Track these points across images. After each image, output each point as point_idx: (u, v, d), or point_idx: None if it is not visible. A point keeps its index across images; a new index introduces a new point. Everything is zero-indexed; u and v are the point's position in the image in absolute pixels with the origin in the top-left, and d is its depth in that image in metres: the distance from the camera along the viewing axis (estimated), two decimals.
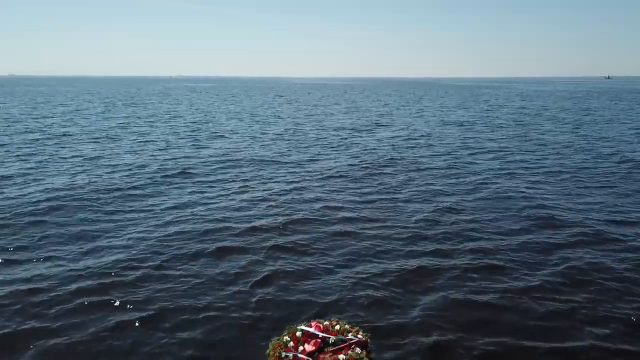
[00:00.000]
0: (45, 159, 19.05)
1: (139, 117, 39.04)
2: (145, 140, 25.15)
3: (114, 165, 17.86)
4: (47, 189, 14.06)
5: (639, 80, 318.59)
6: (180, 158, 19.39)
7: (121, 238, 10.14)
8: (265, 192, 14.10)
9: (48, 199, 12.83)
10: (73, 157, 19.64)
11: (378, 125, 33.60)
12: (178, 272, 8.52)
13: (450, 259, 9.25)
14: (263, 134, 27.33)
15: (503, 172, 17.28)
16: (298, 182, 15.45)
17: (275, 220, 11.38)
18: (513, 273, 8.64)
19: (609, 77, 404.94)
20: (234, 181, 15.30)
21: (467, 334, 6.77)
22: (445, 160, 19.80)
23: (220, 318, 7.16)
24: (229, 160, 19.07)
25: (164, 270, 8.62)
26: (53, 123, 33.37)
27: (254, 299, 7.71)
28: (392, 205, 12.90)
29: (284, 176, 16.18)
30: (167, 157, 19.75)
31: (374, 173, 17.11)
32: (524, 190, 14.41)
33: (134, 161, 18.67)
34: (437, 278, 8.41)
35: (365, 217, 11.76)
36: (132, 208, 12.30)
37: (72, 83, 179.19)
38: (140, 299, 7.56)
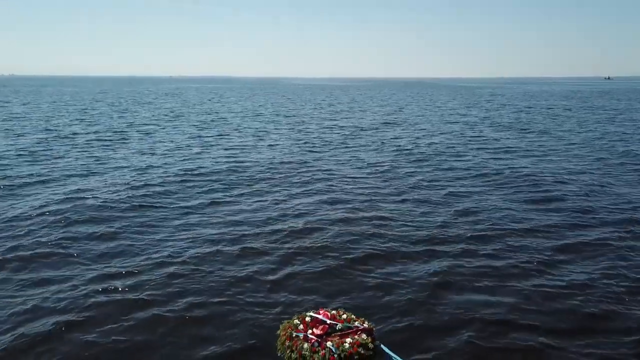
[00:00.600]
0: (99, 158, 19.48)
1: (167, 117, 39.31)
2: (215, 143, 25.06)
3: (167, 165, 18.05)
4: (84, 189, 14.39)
5: (638, 81, 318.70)
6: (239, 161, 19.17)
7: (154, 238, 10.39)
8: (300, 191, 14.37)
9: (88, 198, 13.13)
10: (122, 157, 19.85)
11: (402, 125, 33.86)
12: (203, 270, 8.76)
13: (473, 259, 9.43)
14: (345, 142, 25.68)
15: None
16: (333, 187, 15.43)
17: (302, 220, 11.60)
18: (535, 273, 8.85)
19: (608, 78, 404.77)
20: (279, 185, 15.24)
21: (483, 332, 6.96)
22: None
23: (239, 306, 7.49)
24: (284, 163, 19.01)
25: (191, 267, 8.86)
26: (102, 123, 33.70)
27: (268, 289, 8.04)
28: (420, 203, 13.04)
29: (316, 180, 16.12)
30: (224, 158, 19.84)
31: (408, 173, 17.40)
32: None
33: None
34: (454, 279, 8.58)
35: (389, 217, 11.86)
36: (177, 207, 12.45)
37: (73, 83, 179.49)
38: (167, 294, 7.80)
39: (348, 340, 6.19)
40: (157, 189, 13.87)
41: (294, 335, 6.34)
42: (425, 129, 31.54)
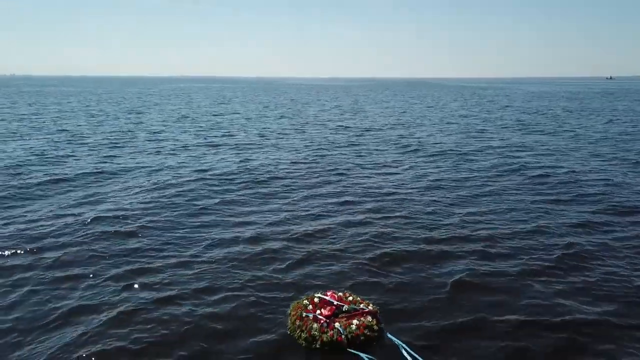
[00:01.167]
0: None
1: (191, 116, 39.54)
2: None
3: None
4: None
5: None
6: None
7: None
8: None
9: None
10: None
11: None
12: (219, 260, 9.04)
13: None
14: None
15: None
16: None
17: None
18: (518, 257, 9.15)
19: (610, 78, 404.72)
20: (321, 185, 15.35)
21: (480, 314, 7.14)
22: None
23: (253, 290, 7.81)
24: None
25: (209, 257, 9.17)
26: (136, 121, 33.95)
27: (279, 276, 8.31)
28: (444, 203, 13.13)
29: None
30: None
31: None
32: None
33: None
34: (453, 263, 8.88)
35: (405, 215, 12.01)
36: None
37: (75, 83, 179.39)
38: (191, 289, 7.94)
39: (355, 322, 6.51)
40: (175, 190, 14.00)
41: (303, 315, 6.65)
42: (437, 129, 31.68)
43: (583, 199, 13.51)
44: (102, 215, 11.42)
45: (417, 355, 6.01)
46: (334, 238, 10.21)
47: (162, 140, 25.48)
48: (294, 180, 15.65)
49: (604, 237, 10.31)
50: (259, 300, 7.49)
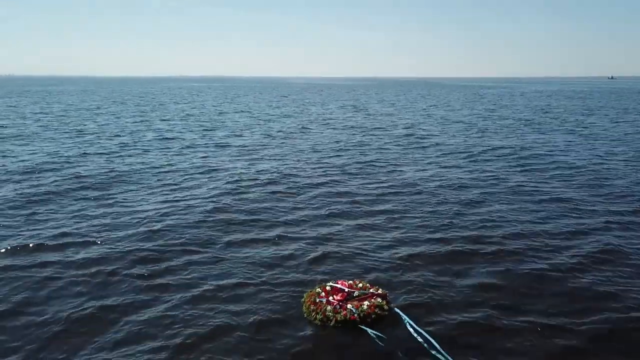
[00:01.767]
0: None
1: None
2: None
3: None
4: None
5: None
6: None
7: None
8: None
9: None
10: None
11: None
12: (234, 255, 9.57)
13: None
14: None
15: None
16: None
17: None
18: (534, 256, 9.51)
19: (612, 78, 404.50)
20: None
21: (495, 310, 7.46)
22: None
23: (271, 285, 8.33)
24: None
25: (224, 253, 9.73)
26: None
27: (294, 272, 8.83)
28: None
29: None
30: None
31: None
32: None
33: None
34: (467, 262, 9.26)
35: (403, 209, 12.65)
36: None
37: (75, 83, 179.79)
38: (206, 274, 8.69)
39: (366, 303, 7.11)
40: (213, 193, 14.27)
41: (317, 301, 7.22)
42: (458, 128, 32.15)
43: (607, 196, 13.96)
44: (117, 212, 12.02)
45: (422, 331, 6.59)
46: (347, 236, 10.69)
47: (185, 144, 25.98)
48: (305, 180, 16.12)
49: (627, 235, 10.65)
50: (277, 293, 7.98)
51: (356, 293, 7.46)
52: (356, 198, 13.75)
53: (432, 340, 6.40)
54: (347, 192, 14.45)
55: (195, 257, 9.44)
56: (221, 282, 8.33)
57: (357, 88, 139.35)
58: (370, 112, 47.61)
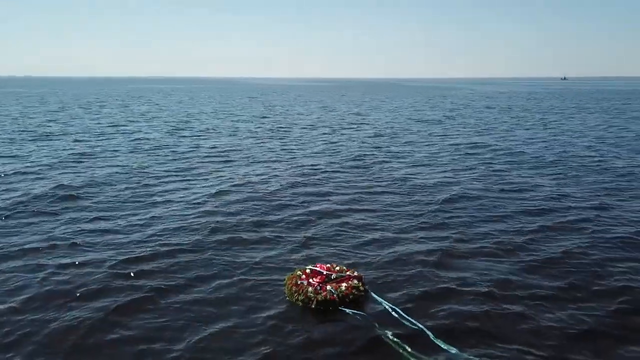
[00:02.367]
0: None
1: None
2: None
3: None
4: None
5: (593, 81, 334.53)
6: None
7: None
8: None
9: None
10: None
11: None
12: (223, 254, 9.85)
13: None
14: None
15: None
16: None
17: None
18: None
19: (564, 78, 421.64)
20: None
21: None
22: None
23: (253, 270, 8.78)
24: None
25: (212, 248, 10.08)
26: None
27: (277, 259, 9.30)
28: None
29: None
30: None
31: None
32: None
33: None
34: (436, 248, 9.89)
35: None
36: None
37: (48, 84, 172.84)
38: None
39: (344, 284, 7.62)
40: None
41: (298, 283, 7.68)
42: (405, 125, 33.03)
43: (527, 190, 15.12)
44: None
45: (398, 309, 7.17)
46: (320, 225, 11.30)
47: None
48: (281, 180, 16.54)
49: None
50: (261, 280, 8.42)
51: (334, 275, 7.97)
52: (331, 195, 14.32)
53: (405, 315, 7.01)
54: (321, 189, 15.02)
55: (181, 254, 9.62)
56: (207, 274, 8.67)
57: (323, 90, 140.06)
58: (339, 112, 48.38)
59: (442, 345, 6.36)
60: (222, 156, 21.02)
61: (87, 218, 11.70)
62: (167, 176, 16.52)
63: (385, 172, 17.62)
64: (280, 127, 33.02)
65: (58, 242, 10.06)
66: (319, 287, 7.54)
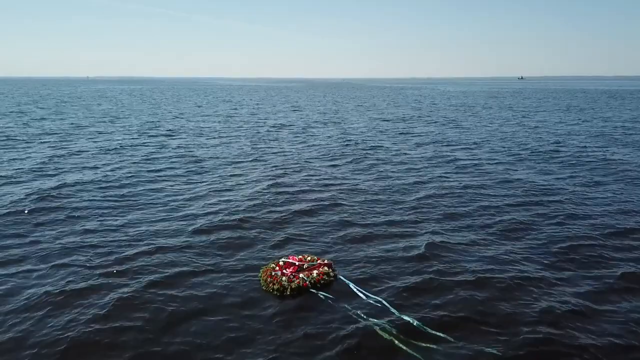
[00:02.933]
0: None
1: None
2: None
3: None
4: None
5: (549, 81, 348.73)
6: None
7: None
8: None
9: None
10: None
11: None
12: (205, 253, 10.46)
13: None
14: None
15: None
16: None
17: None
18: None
19: (521, 78, 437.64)
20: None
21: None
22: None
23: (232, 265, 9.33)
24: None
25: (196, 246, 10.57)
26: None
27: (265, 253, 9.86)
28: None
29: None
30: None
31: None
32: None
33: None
34: (401, 237, 10.84)
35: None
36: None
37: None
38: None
39: (315, 271, 8.34)
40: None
41: (273, 274, 8.33)
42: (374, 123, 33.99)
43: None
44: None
45: (363, 290, 7.97)
46: (295, 222, 11.94)
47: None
48: (252, 177, 17.07)
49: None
50: (238, 276, 8.94)
51: (306, 265, 8.67)
52: (310, 192, 14.99)
53: (370, 294, 7.83)
54: (302, 187, 15.67)
55: (163, 253, 9.97)
56: (188, 270, 9.12)
57: (286, 89, 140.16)
58: (306, 111, 49.03)
59: (397, 314, 7.31)
60: (195, 157, 21.37)
61: (69, 221, 11.88)
62: (137, 178, 16.77)
63: (365, 168, 18.61)
64: (251, 126, 33.40)
65: (40, 246, 10.29)
66: (292, 276, 8.23)
